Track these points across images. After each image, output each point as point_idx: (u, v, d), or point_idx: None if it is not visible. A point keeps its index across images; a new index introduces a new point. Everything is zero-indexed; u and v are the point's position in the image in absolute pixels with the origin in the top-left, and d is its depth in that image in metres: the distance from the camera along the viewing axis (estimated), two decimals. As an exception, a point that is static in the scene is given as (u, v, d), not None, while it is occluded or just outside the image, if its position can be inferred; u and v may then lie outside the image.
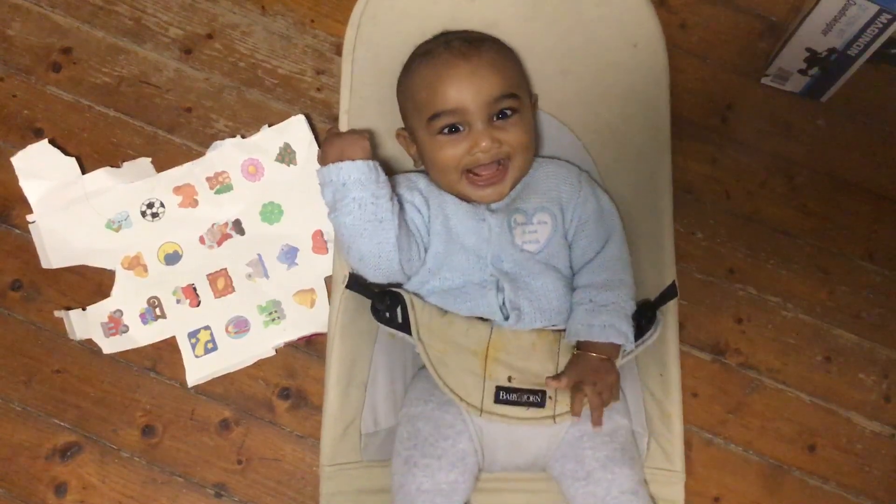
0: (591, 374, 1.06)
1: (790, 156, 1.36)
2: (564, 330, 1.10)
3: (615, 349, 1.08)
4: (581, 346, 1.08)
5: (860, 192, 1.35)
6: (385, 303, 1.10)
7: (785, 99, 1.38)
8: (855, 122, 1.38)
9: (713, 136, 1.37)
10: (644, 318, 1.12)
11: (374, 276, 1.09)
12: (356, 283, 1.13)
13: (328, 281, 1.29)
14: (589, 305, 1.08)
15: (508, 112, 1.09)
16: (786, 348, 1.31)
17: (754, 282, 1.32)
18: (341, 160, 1.05)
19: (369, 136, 1.09)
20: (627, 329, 1.08)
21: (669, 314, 1.18)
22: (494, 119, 1.08)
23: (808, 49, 1.28)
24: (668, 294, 1.17)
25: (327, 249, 1.32)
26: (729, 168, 1.36)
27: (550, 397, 1.07)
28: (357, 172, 1.04)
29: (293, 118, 1.34)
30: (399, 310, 1.09)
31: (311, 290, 1.31)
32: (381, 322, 1.11)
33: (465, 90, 1.06)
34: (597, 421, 1.06)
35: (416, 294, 1.11)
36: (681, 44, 1.39)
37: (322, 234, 1.32)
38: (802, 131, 1.37)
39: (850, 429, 1.29)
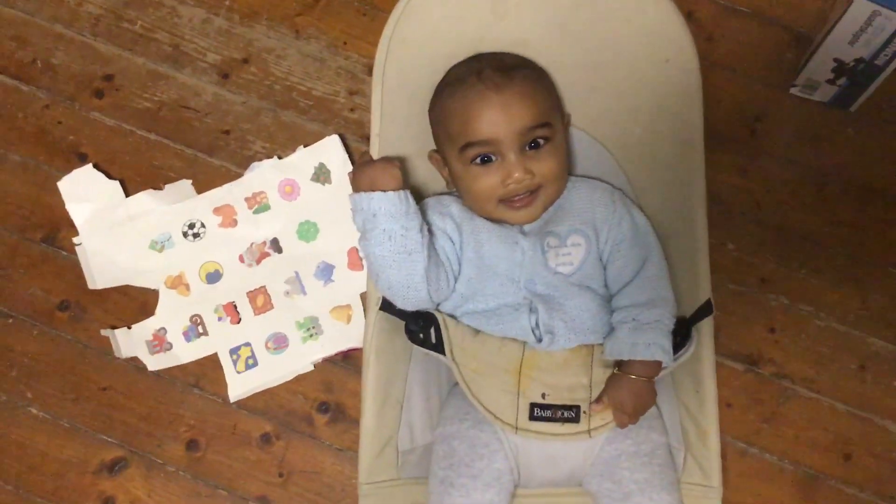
0: (632, 398, 1.06)
1: (820, 166, 1.37)
2: (596, 344, 1.10)
3: (656, 367, 1.08)
4: (621, 366, 1.08)
5: (891, 201, 1.35)
6: (419, 324, 1.11)
7: (814, 109, 1.39)
8: (884, 130, 1.38)
9: (742, 147, 1.38)
10: (679, 334, 1.11)
11: (403, 304, 1.10)
12: (390, 306, 1.14)
13: (364, 297, 1.32)
14: (633, 324, 1.07)
15: (541, 141, 1.08)
16: (819, 357, 1.31)
17: (786, 291, 1.33)
18: (372, 189, 1.06)
19: (400, 163, 1.09)
20: (670, 346, 1.08)
21: (704, 331, 1.16)
22: (527, 148, 1.08)
23: (835, 59, 1.29)
24: (704, 311, 1.16)
25: (362, 266, 1.34)
26: (759, 179, 1.36)
27: (585, 412, 1.07)
28: (387, 203, 1.05)
29: (327, 138, 1.37)
30: (433, 330, 1.10)
31: (348, 306, 1.34)
32: (415, 343, 1.12)
33: (497, 122, 1.06)
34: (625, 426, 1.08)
35: (450, 315, 1.12)
36: (708, 56, 1.40)
37: (357, 251, 1.34)
38: (832, 141, 1.38)
39: (886, 437, 1.28)
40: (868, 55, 1.26)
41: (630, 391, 1.07)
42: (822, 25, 1.34)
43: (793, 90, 1.38)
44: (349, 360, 1.33)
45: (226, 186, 1.37)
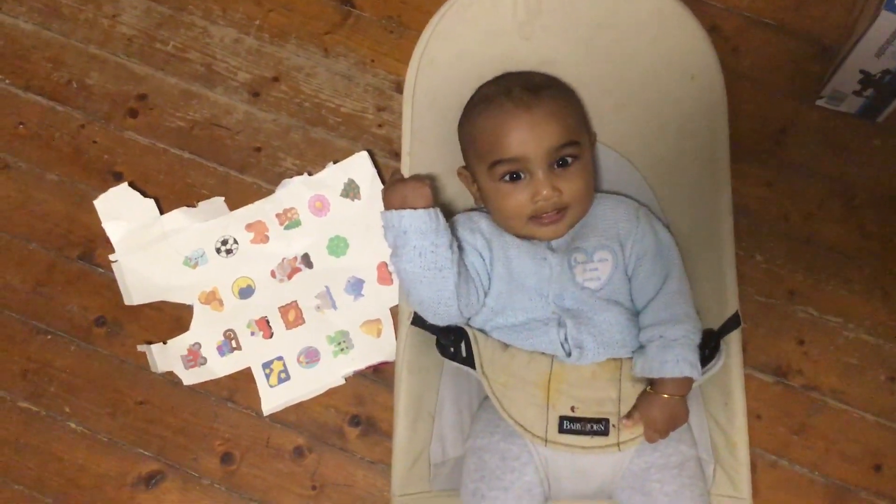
0: (664, 416, 1.07)
1: (847, 177, 1.37)
2: (625, 358, 1.11)
3: (688, 384, 1.09)
4: (653, 384, 1.09)
5: (919, 212, 1.35)
6: (450, 338, 1.13)
7: (840, 120, 1.39)
8: (912, 141, 1.38)
9: (769, 159, 1.38)
10: (707, 347, 1.12)
11: (434, 319, 1.12)
12: (421, 320, 1.16)
13: (394, 311, 1.34)
14: (660, 342, 1.08)
15: (569, 160, 1.10)
16: (848, 369, 1.31)
17: (815, 303, 1.33)
18: (403, 207, 1.08)
19: (431, 182, 1.11)
20: (698, 361, 1.09)
21: (733, 343, 1.17)
22: (555, 166, 1.09)
23: (861, 71, 1.29)
24: (731, 324, 1.16)
25: (392, 281, 1.36)
26: (786, 191, 1.37)
27: (614, 425, 1.08)
28: (418, 221, 1.07)
29: (356, 155, 1.39)
30: (463, 345, 1.12)
31: (378, 321, 1.36)
32: (446, 357, 1.14)
33: (526, 140, 1.08)
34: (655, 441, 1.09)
35: (480, 330, 1.14)
36: (734, 69, 1.40)
37: (387, 266, 1.36)
38: (859, 152, 1.38)
39: (917, 448, 1.29)
40: (895, 67, 1.26)
41: (662, 409, 1.07)
42: (847, 37, 1.34)
43: (819, 102, 1.39)
44: (380, 374, 1.35)
45: (257, 203, 1.39)
